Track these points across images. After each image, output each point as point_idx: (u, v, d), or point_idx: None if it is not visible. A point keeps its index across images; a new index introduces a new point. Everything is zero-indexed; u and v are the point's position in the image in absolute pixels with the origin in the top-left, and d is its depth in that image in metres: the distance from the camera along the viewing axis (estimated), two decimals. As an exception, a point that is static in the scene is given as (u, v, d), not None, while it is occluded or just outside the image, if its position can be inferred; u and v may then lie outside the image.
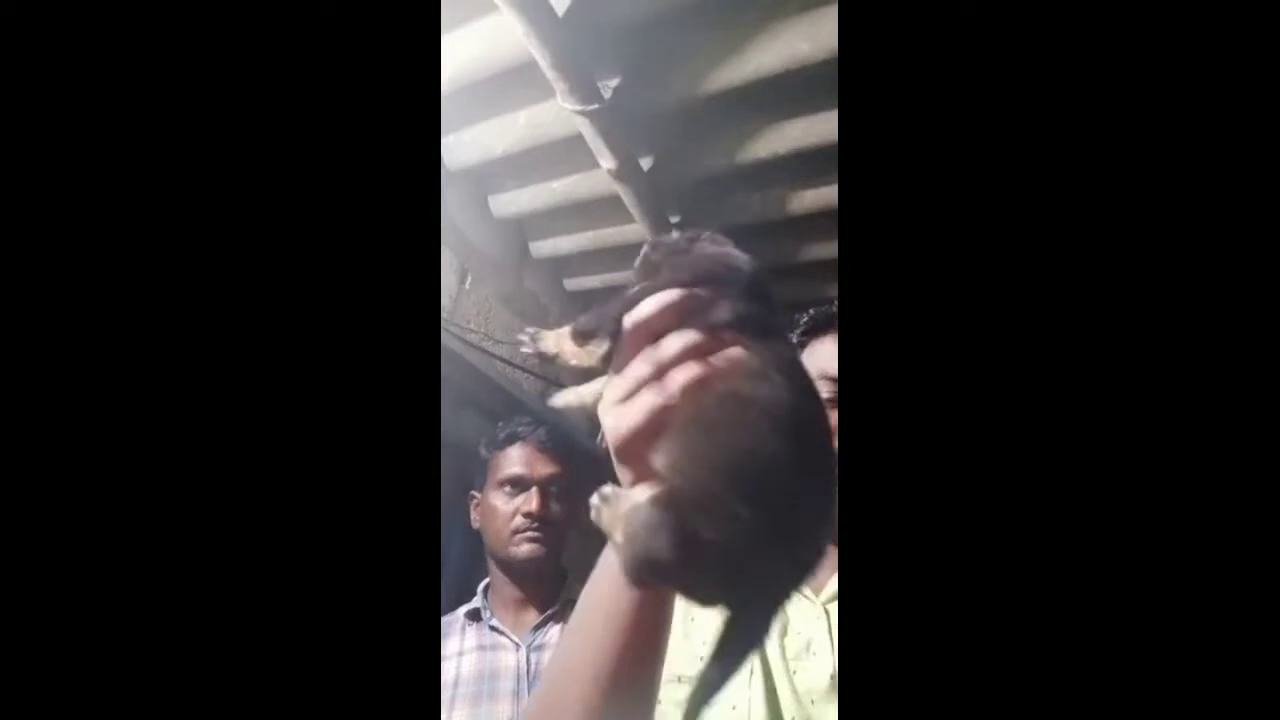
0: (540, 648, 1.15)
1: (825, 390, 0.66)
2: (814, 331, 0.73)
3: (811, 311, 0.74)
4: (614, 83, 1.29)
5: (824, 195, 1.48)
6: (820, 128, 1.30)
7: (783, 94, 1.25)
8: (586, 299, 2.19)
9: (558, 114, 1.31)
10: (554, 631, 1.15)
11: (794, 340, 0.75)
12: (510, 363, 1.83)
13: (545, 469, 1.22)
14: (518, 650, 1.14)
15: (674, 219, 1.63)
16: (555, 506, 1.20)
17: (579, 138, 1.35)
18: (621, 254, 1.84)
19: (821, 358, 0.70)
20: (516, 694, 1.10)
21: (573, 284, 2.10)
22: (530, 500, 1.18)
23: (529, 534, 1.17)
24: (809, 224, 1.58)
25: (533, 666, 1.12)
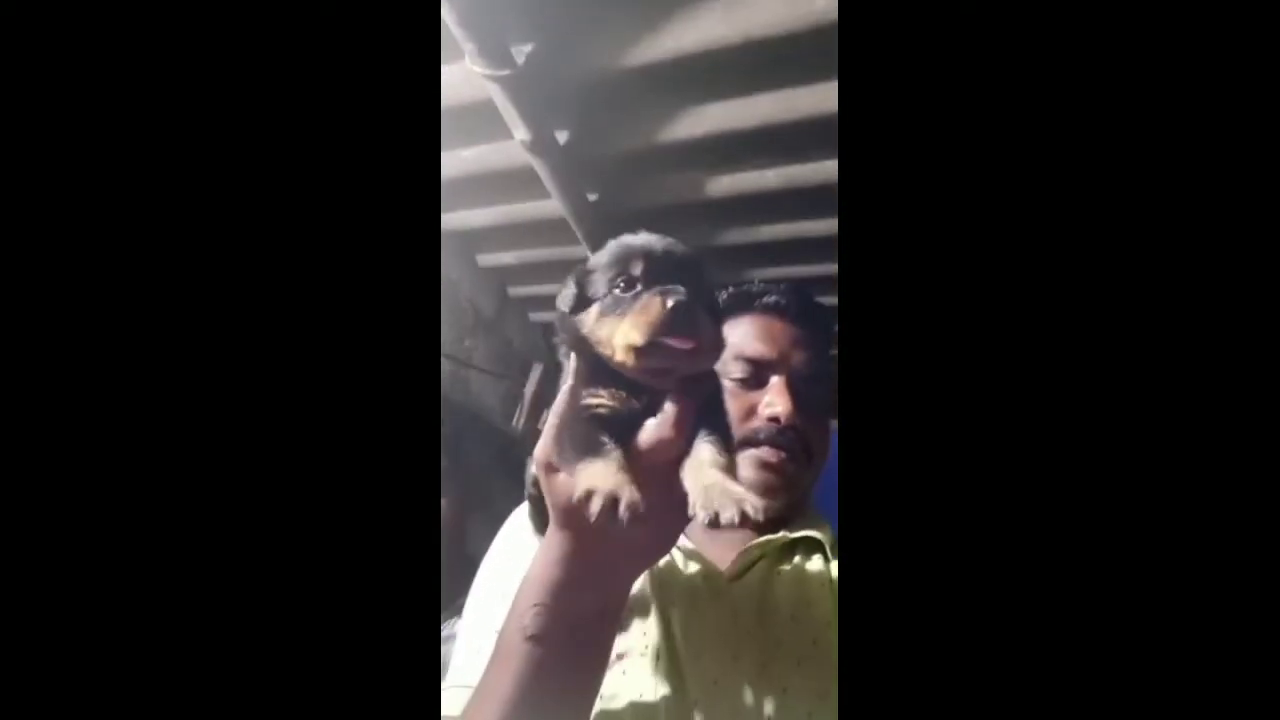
0: (447, 640, 1.11)
1: (738, 370, 0.68)
2: (729, 312, 0.74)
3: (730, 289, 0.75)
4: (528, 48, 1.22)
5: (740, 181, 1.49)
6: (736, 112, 1.30)
7: (700, 76, 1.24)
8: (501, 275, 2.11)
9: (467, 77, 1.22)
10: (458, 625, 1.12)
11: None
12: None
13: None
14: None
15: (591, 196, 1.59)
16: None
17: (490, 104, 1.27)
18: (537, 230, 1.77)
19: (741, 339, 0.71)
20: None
21: (487, 260, 2.01)
22: None
23: None
24: (723, 208, 1.60)
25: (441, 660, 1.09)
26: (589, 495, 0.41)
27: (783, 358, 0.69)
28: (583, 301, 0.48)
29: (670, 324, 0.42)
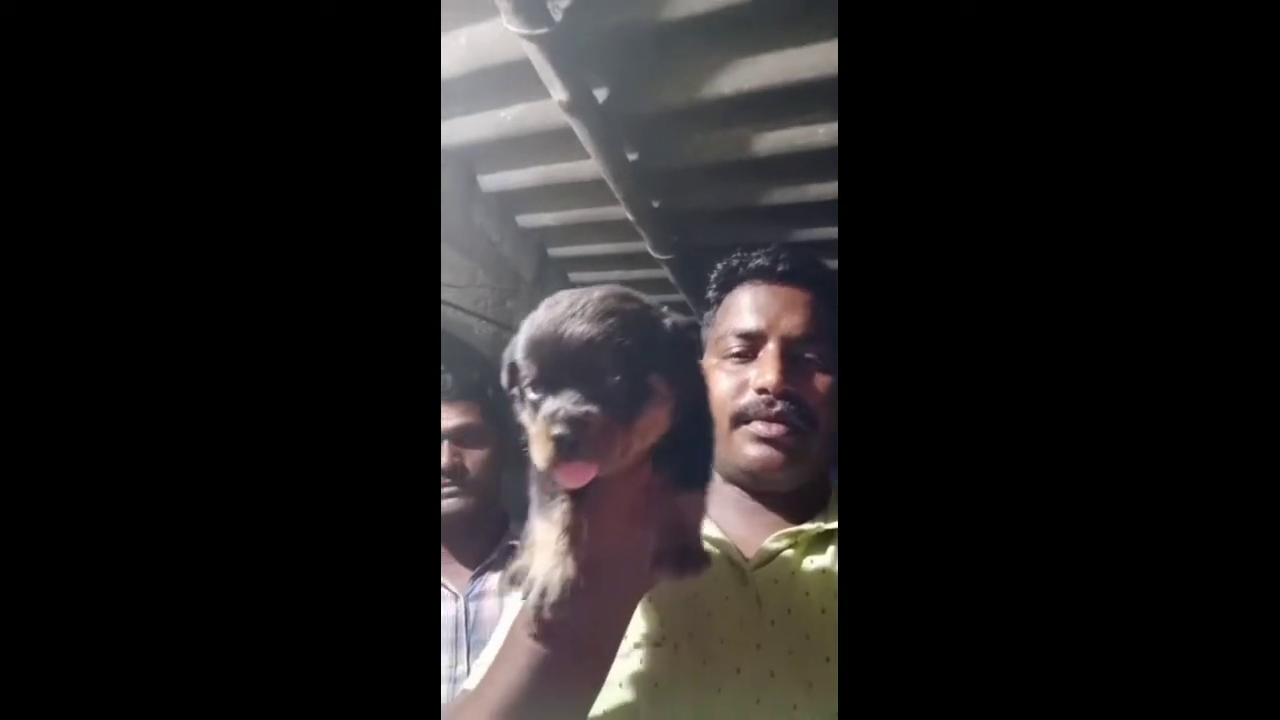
0: (479, 596, 1.15)
1: (735, 345, 0.67)
2: (727, 286, 0.72)
3: (719, 266, 0.73)
4: (565, 3, 1.17)
5: (787, 137, 1.42)
6: (788, 64, 1.22)
7: (748, 25, 1.17)
8: (541, 236, 2.10)
9: (502, 36, 1.19)
10: (493, 580, 1.16)
11: (710, 297, 0.75)
12: (459, 307, 1.77)
13: (450, 422, 1.17)
14: (456, 600, 1.15)
15: (631, 156, 1.55)
16: (470, 455, 1.17)
17: (527, 64, 1.24)
18: (577, 190, 1.75)
19: (733, 314, 0.69)
20: (456, 644, 1.11)
21: (527, 220, 2.00)
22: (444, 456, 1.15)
23: (445, 489, 1.15)
24: (771, 166, 1.53)
25: (471, 617, 1.13)
26: (526, 582, 0.44)
27: (771, 325, 0.66)
28: (513, 377, 0.45)
29: (560, 456, 0.40)
